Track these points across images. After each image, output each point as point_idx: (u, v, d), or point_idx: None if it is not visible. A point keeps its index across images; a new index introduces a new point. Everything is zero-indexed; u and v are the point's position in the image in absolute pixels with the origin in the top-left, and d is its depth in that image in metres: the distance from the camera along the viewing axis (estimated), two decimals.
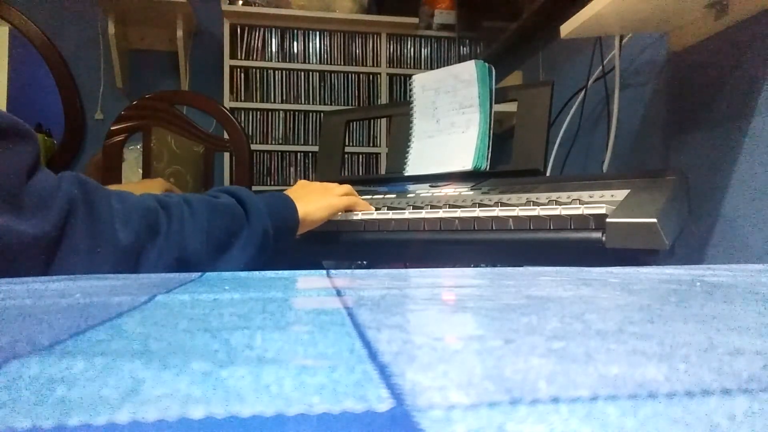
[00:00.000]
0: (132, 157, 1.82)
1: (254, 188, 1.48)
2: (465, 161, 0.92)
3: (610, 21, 0.84)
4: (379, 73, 2.31)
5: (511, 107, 1.05)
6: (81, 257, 0.45)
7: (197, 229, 0.54)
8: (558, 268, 0.40)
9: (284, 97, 2.26)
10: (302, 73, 2.27)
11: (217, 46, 2.31)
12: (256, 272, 0.40)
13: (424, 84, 1.03)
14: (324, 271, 0.38)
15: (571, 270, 0.39)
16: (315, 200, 0.71)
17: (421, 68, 2.32)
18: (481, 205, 0.71)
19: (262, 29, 2.24)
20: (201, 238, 0.54)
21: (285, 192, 0.72)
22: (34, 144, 0.45)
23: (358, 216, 0.77)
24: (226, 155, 2.12)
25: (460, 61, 0.99)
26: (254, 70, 2.23)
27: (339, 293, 0.27)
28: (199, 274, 0.38)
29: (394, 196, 0.87)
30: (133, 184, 1.06)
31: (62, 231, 0.44)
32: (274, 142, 2.25)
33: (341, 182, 0.82)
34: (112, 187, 0.52)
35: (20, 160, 0.43)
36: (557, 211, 0.62)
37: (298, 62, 2.27)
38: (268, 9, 2.20)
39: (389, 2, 2.34)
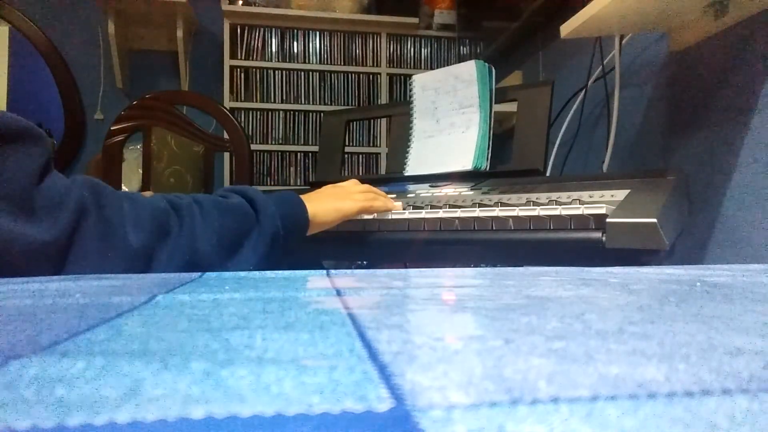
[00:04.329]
0: (132, 157, 1.82)
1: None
2: (465, 161, 0.92)
3: (610, 21, 0.84)
4: (379, 73, 2.31)
5: (511, 107, 1.05)
6: (92, 261, 0.45)
7: (208, 231, 0.54)
8: (558, 268, 0.40)
9: (284, 97, 2.26)
10: (302, 73, 2.27)
11: (217, 46, 2.31)
12: (256, 272, 0.40)
13: (424, 84, 1.03)
14: (324, 271, 0.38)
15: (571, 270, 0.39)
16: (324, 203, 0.70)
17: (421, 68, 2.32)
18: (481, 205, 0.71)
19: (262, 29, 2.24)
20: (212, 240, 0.54)
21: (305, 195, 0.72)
22: (46, 147, 0.45)
23: (361, 216, 0.77)
24: (226, 155, 2.12)
25: (460, 61, 0.99)
26: (254, 70, 2.23)
27: (339, 293, 0.27)
28: (199, 274, 0.38)
29: (394, 196, 0.87)
30: None
31: (73, 235, 0.44)
32: (274, 142, 2.25)
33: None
34: None
35: (32, 163, 0.43)
36: (557, 211, 0.62)
37: (298, 62, 2.27)
38: (268, 9, 2.20)
39: (389, 2, 2.35)
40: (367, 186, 0.79)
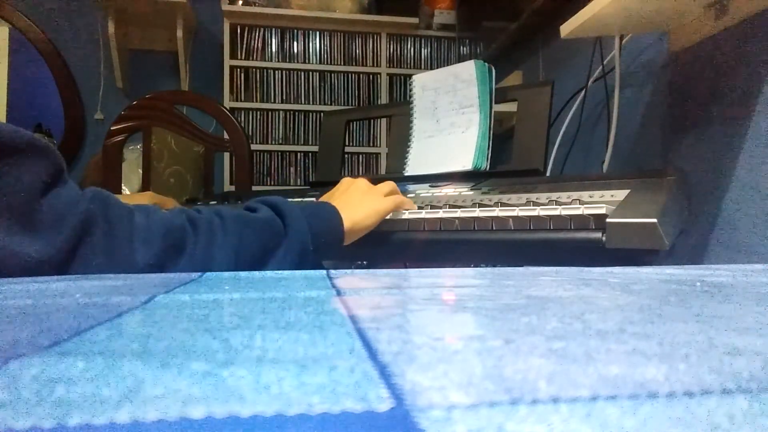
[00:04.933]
0: (132, 157, 1.82)
1: (254, 188, 1.48)
2: (465, 161, 0.92)
3: (610, 21, 0.84)
4: (379, 73, 2.31)
5: (511, 107, 1.05)
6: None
7: (226, 248, 0.52)
8: (558, 268, 0.40)
9: (284, 97, 2.26)
10: (302, 73, 2.27)
11: (217, 46, 2.31)
12: (256, 272, 0.40)
13: (424, 84, 1.03)
14: (324, 271, 0.38)
15: (571, 270, 0.39)
16: (362, 207, 0.69)
17: (421, 68, 2.32)
18: (481, 205, 0.71)
19: (262, 29, 2.24)
20: (230, 258, 0.52)
21: (330, 198, 0.70)
22: (52, 159, 0.44)
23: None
24: (226, 155, 2.12)
25: (460, 61, 0.99)
26: (254, 70, 2.23)
27: (339, 293, 0.27)
28: (199, 274, 0.38)
29: None
30: (124, 197, 1.06)
31: (74, 251, 0.43)
32: (274, 142, 2.25)
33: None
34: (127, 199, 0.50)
35: (34, 177, 0.42)
36: (557, 211, 0.62)
37: (298, 62, 2.27)
38: (268, 9, 2.20)
39: (389, 2, 2.35)
40: (389, 183, 0.77)
